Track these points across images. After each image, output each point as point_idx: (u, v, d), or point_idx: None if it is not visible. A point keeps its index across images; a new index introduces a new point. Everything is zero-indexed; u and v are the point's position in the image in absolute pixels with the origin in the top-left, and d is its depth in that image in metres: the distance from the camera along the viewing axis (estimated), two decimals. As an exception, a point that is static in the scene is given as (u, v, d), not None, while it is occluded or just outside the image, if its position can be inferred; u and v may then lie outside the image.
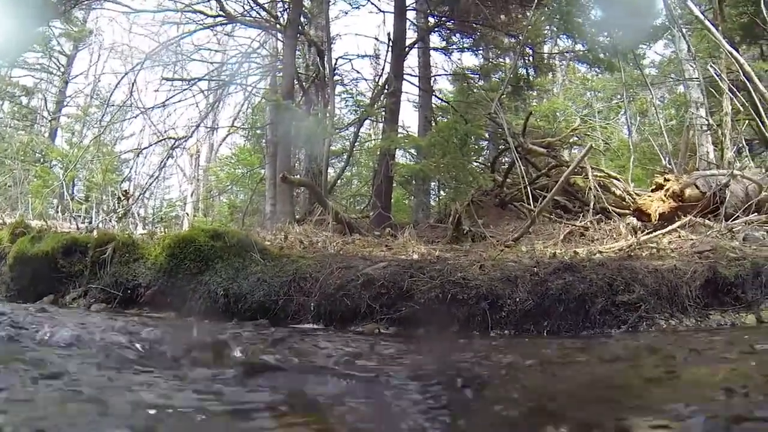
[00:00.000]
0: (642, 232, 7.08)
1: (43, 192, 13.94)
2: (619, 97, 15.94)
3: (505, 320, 4.67)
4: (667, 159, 11.34)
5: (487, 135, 12.88)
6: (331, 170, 12.86)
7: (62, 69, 22.18)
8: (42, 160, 19.02)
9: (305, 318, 5.22)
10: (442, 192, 13.80)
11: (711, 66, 11.01)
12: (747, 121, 10.44)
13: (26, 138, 20.06)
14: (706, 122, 11.54)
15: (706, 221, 7.20)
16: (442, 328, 4.74)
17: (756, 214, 7.24)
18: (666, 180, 8.36)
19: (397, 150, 11.51)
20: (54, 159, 18.67)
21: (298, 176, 11.04)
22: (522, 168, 8.93)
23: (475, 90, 13.76)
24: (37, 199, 13.33)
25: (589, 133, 10.96)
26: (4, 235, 7.45)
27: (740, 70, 8.71)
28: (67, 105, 22.56)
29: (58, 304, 6.33)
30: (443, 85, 16.95)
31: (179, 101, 12.95)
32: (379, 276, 5.19)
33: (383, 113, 11.87)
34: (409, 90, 13.12)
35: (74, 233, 7.92)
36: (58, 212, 13.04)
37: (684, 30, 12.34)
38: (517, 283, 4.87)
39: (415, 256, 6.12)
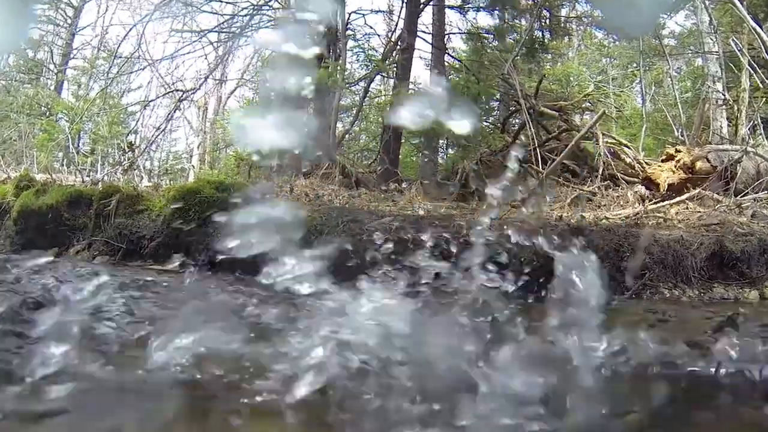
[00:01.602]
0: (650, 201, 7.04)
1: (48, 145, 13.87)
2: (634, 65, 15.71)
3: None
4: (679, 130, 11.23)
5: (498, 96, 12.71)
6: (339, 125, 12.75)
7: (69, 21, 21.88)
8: (48, 113, 18.85)
9: (309, 270, 5.19)
10: (450, 150, 13.71)
11: (732, 40, 10.79)
12: (765, 99, 10.27)
13: (32, 91, 19.90)
14: (723, 97, 11.37)
15: (716, 195, 7.15)
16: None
17: (766, 192, 7.18)
18: (677, 151, 8.27)
19: (407, 106, 11.36)
20: (60, 112, 18.40)
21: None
22: (532, 130, 8.83)
23: (488, 50, 13.53)
24: (43, 152, 13.28)
25: (602, 100, 10.82)
26: (9, 188, 7.43)
27: (762, 47, 8.53)
28: (73, 57, 22.39)
29: (62, 256, 6.35)
30: (457, 44, 16.67)
31: (188, 53, 12.80)
32: (384, 231, 5.16)
33: (395, 69, 11.72)
34: (422, 47, 12.90)
35: (79, 186, 7.93)
36: (63, 165, 13.01)
37: (707, 2, 12.06)
38: (523, 244, 4.83)
39: (421, 212, 6.08)
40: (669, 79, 13.57)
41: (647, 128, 11.17)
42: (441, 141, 13.13)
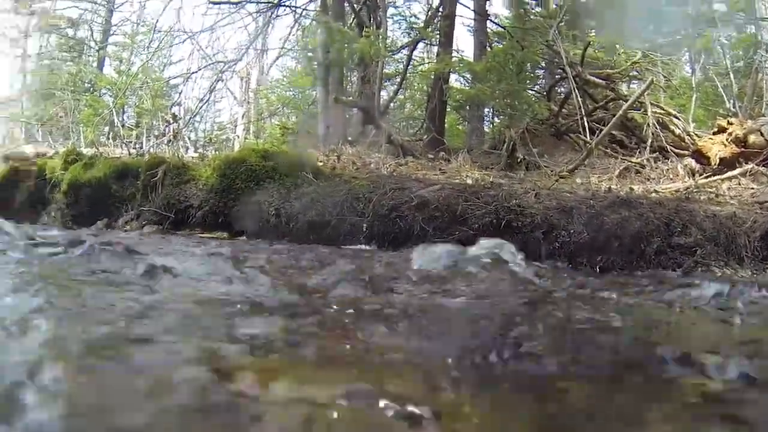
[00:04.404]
0: (700, 175, 6.93)
1: (93, 120, 14.04)
2: (683, 32, 15.21)
3: (559, 251, 4.66)
4: (731, 101, 10.92)
5: (543, 63, 12.48)
6: (384, 93, 12.70)
7: (106, -2, 21.96)
8: (91, 89, 19.02)
9: (357, 239, 5.30)
10: (496, 119, 13.56)
11: (787, 5, 10.39)
12: (821, 68, 9.91)
13: (74, 69, 20.13)
14: (777, 66, 11.00)
15: (770, 172, 6.97)
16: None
17: (824, 168, 6.99)
18: (729, 123, 8.04)
19: (451, 74, 11.31)
20: (103, 88, 18.60)
21: (351, 98, 10.96)
22: (579, 99, 8.67)
23: (532, 17, 13.25)
24: (89, 127, 13.47)
25: (649, 68, 10.51)
26: (57, 163, 7.63)
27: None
28: (113, 33, 22.40)
29: (112, 227, 6.57)
30: (499, 10, 16.38)
31: (227, 25, 12.81)
32: (433, 199, 5.20)
33: (437, 36, 11.59)
34: (464, 14, 12.71)
35: (125, 158, 8.12)
36: (109, 139, 13.24)
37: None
38: (573, 214, 4.83)
39: (469, 181, 6.10)
40: (719, 47, 13.13)
41: (697, 98, 10.89)
42: (487, 109, 13.00)
